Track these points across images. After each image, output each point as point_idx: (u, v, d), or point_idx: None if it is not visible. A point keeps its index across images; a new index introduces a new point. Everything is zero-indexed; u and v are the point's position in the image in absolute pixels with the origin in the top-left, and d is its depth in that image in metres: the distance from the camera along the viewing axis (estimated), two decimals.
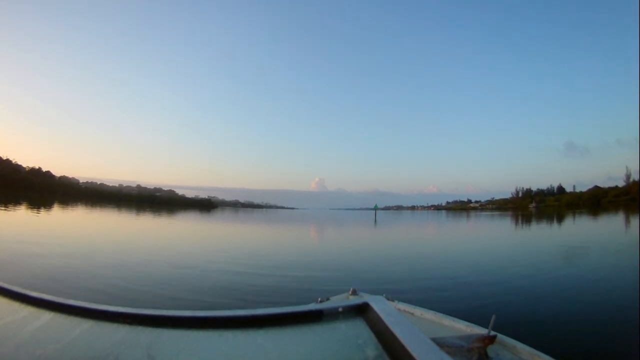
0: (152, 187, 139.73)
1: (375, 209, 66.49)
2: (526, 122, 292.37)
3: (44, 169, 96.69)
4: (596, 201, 73.16)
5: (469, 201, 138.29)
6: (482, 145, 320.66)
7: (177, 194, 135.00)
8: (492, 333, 1.62)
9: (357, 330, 0.76)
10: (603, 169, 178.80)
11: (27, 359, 0.75)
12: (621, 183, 79.30)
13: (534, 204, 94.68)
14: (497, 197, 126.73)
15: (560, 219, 35.60)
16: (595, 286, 6.83)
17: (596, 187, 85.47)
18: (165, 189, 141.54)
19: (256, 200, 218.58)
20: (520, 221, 34.63)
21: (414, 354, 0.60)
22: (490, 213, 69.78)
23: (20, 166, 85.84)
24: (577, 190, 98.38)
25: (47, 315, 0.91)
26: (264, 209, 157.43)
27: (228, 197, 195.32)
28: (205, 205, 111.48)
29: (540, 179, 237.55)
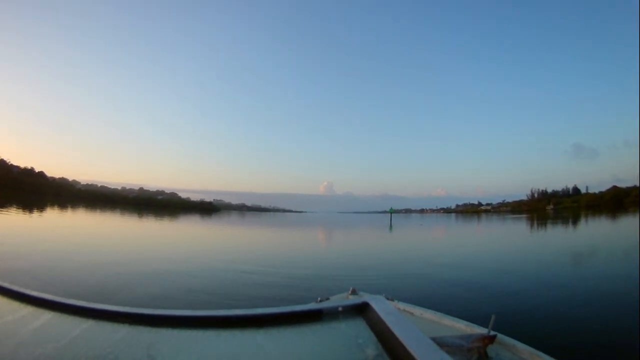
0: (154, 190, 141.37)
1: (391, 212, 64.33)
2: (533, 125, 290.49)
3: (47, 172, 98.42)
4: (617, 201, 71.75)
5: (480, 204, 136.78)
6: (489, 147, 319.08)
7: (178, 197, 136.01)
8: (492, 333, 1.65)
9: (356, 329, 0.77)
10: (610, 171, 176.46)
11: (27, 358, 0.76)
12: (629, 184, 78.35)
13: (551, 206, 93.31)
14: (507, 200, 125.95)
15: (591, 221, 34.78)
16: (595, 287, 6.88)
17: (615, 187, 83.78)
18: (169, 192, 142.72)
19: (264, 204, 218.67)
20: (549, 224, 33.32)
21: (413, 353, 0.61)
22: (512, 216, 66.81)
23: (13, 166, 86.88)
24: (590, 191, 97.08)
25: (46, 315, 0.93)
26: (272, 213, 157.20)
27: (235, 201, 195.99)
28: (206, 208, 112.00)
29: (548, 181, 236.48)
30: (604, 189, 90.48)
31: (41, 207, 40.97)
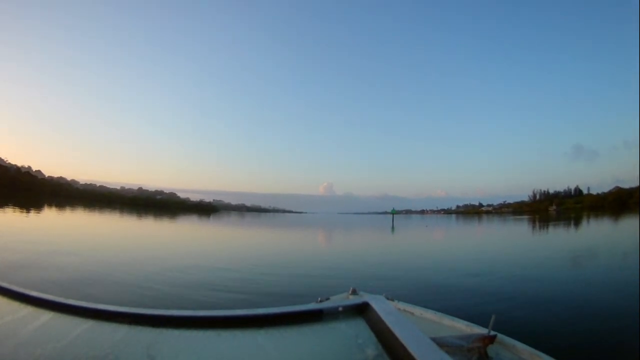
0: (153, 190, 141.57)
1: (393, 213, 63.77)
2: (533, 126, 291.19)
3: (46, 172, 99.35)
4: (621, 203, 71.75)
5: (480, 205, 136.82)
6: (489, 148, 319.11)
7: (177, 197, 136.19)
8: (492, 333, 1.66)
9: (357, 329, 0.78)
10: (610, 172, 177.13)
11: (27, 358, 0.77)
12: (629, 185, 78.39)
13: (554, 207, 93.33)
14: (508, 201, 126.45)
15: (597, 222, 34.46)
16: (595, 287, 6.93)
17: (619, 188, 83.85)
18: (168, 192, 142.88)
19: (264, 205, 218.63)
20: (554, 225, 32.47)
21: (414, 353, 0.62)
22: (516, 217, 66.21)
23: (11, 165, 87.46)
24: (592, 192, 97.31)
25: (46, 315, 0.94)
26: (271, 213, 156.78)
27: (235, 201, 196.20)
28: (205, 209, 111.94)
29: (548, 182, 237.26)
30: (604, 189, 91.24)
31: (36, 206, 40.68)
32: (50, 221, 25.76)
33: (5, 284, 1.11)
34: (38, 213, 32.31)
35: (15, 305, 1.01)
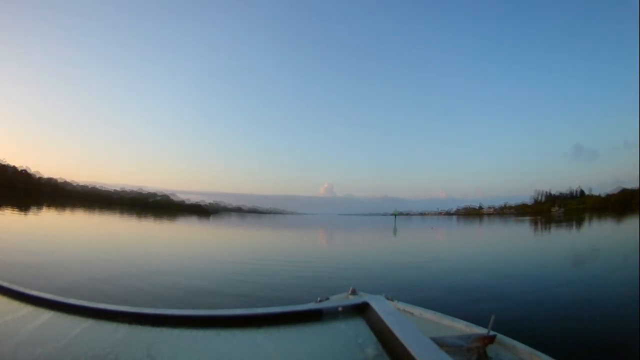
0: (152, 191, 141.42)
1: (396, 214, 63.65)
2: (533, 126, 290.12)
3: (46, 173, 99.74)
4: (624, 203, 71.76)
5: (481, 207, 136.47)
6: (488, 149, 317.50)
7: (176, 199, 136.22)
8: (492, 333, 1.66)
9: (356, 329, 0.78)
10: (610, 172, 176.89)
11: (27, 358, 0.77)
12: (629, 185, 78.53)
13: (556, 208, 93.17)
14: (509, 202, 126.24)
15: (602, 223, 34.45)
16: (595, 287, 6.97)
17: (623, 189, 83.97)
18: (167, 193, 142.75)
19: (264, 206, 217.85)
20: (563, 227, 31.79)
21: (413, 353, 0.62)
22: (521, 218, 66.01)
23: (8, 166, 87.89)
24: (594, 193, 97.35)
25: (46, 314, 0.94)
26: (272, 215, 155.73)
27: (235, 203, 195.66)
28: (204, 210, 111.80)
29: (548, 183, 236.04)
30: (605, 190, 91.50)
31: (31, 207, 40.74)
32: (47, 222, 25.80)
33: (5, 283, 1.12)
34: (33, 214, 32.42)
35: (15, 304, 1.02)
